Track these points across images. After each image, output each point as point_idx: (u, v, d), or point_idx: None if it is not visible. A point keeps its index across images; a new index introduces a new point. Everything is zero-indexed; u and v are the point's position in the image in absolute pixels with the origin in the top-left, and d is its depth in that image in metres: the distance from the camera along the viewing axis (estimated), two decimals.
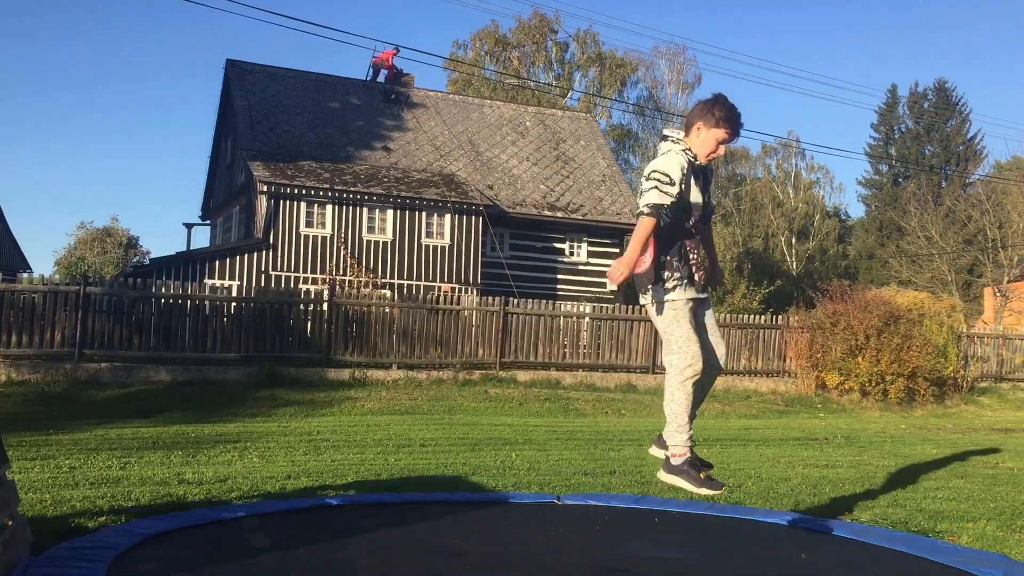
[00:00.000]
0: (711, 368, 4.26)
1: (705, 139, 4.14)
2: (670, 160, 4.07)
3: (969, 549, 4.90)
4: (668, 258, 4.12)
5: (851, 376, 17.78)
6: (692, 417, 4.20)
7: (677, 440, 4.19)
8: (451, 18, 69.21)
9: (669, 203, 4.00)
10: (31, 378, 13.36)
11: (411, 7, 71.24)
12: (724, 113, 4.10)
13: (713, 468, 4.33)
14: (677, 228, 4.09)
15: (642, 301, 4.27)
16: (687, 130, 4.20)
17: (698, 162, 4.17)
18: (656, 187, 3.99)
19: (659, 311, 4.17)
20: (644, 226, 3.99)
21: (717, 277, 4.45)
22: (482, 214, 22.57)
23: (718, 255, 4.27)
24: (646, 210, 3.98)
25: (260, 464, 7.51)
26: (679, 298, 4.14)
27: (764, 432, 12.39)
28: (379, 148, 24.28)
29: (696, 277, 4.17)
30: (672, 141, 4.20)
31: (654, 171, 4.04)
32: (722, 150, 4.19)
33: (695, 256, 4.17)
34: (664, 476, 4.26)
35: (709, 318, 4.37)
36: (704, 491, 4.17)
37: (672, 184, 4.00)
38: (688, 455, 4.19)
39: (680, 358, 4.13)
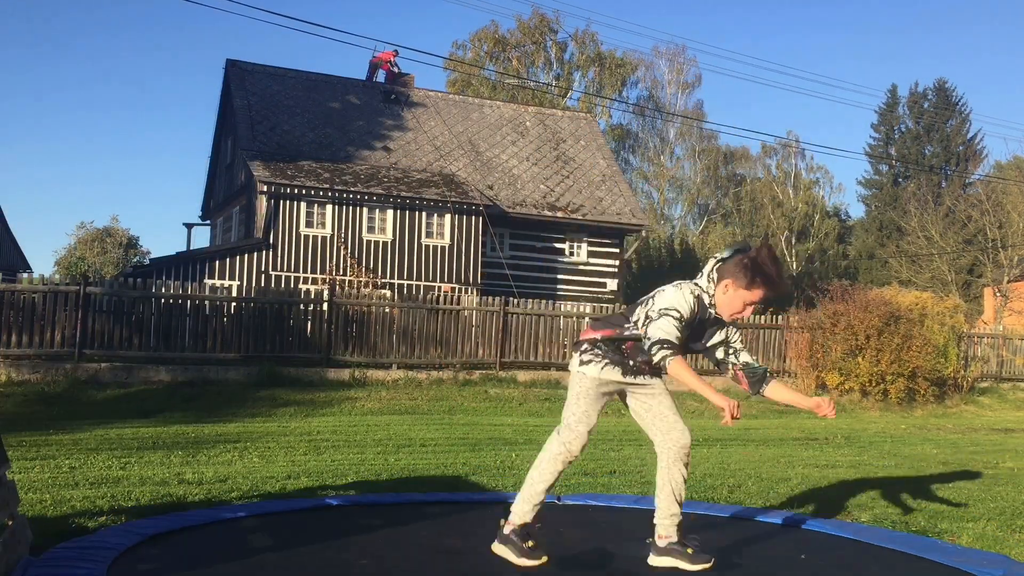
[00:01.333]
0: (679, 447, 3.99)
1: (732, 298, 3.77)
2: (681, 297, 3.76)
3: (969, 549, 4.90)
4: (604, 344, 3.90)
5: (851, 376, 17.77)
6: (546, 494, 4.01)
7: (522, 510, 4.00)
8: (451, 18, 69.16)
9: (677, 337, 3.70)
10: (31, 378, 13.36)
11: (411, 7, 71.24)
12: (763, 279, 3.69)
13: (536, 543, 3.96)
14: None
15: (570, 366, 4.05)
16: (716, 281, 3.80)
17: (713, 314, 3.83)
18: (669, 319, 3.72)
19: (573, 376, 4.01)
20: (682, 364, 3.67)
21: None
22: (482, 214, 22.56)
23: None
24: (667, 351, 3.67)
25: (260, 464, 7.51)
26: (592, 374, 3.94)
27: (764, 432, 12.38)
28: (379, 148, 24.27)
29: (630, 363, 3.89)
30: (694, 284, 3.84)
31: (665, 308, 3.73)
32: (748, 311, 3.80)
33: (632, 354, 3.88)
34: (495, 546, 4.00)
35: (660, 405, 4.03)
36: (525, 562, 3.89)
37: (681, 320, 3.73)
38: (518, 527, 3.96)
39: (566, 432, 3.98)
